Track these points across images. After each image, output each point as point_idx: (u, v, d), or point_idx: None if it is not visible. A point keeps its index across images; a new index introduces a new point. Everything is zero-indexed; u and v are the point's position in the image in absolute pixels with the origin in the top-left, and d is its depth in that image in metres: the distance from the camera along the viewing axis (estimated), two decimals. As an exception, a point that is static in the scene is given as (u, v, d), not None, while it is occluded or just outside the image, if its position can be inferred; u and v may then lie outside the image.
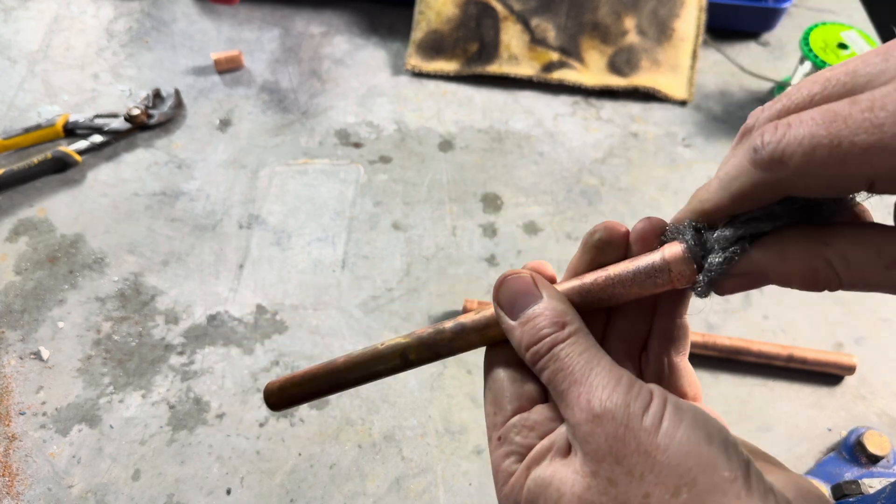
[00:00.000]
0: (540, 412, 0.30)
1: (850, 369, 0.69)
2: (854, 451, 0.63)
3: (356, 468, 0.63)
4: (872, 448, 0.62)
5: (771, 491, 0.24)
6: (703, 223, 0.28)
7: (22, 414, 0.65)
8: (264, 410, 0.66)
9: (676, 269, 0.28)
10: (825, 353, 0.69)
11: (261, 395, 0.67)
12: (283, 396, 0.37)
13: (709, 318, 0.74)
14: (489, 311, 0.33)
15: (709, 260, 0.27)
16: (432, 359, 0.34)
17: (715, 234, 0.27)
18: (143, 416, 0.65)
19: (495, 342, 0.33)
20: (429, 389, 0.68)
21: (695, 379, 0.34)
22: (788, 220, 0.26)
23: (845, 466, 0.63)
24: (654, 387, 0.26)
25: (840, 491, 0.57)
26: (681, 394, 0.33)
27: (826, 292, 0.25)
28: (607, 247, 0.31)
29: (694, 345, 0.69)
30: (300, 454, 0.64)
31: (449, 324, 0.34)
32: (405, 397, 0.68)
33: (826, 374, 0.70)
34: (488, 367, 0.33)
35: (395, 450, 0.64)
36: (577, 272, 0.32)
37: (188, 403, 0.66)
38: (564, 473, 0.27)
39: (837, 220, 0.26)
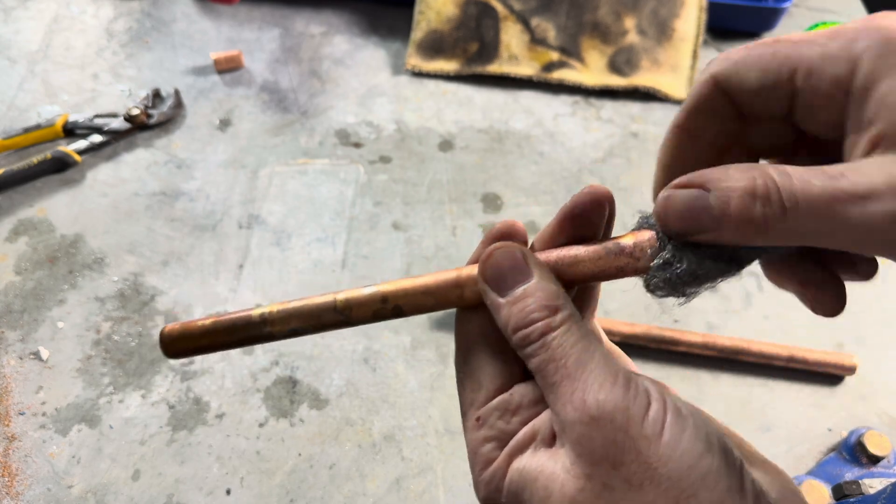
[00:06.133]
0: (521, 394, 0.29)
1: (851, 369, 0.68)
2: (854, 451, 0.63)
3: (356, 468, 0.63)
4: (873, 448, 0.62)
5: (762, 494, 0.24)
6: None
7: (21, 414, 0.65)
8: (264, 411, 0.66)
9: (640, 251, 0.29)
10: (825, 353, 0.69)
11: (260, 396, 0.67)
12: (187, 346, 0.32)
13: (709, 317, 0.74)
14: (444, 275, 0.31)
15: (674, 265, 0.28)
16: (370, 320, 0.31)
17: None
18: (143, 416, 0.65)
19: (464, 307, 0.31)
20: (429, 389, 0.68)
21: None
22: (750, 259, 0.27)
23: (846, 467, 0.63)
24: (649, 385, 0.26)
25: (840, 491, 0.57)
26: None
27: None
28: (579, 221, 0.31)
29: (694, 345, 0.69)
30: (300, 454, 0.64)
31: (387, 286, 0.31)
32: (405, 397, 0.68)
33: (826, 375, 0.70)
34: (463, 338, 0.31)
35: (395, 450, 0.64)
36: (547, 244, 0.32)
37: (188, 403, 0.66)
38: (553, 469, 0.26)
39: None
